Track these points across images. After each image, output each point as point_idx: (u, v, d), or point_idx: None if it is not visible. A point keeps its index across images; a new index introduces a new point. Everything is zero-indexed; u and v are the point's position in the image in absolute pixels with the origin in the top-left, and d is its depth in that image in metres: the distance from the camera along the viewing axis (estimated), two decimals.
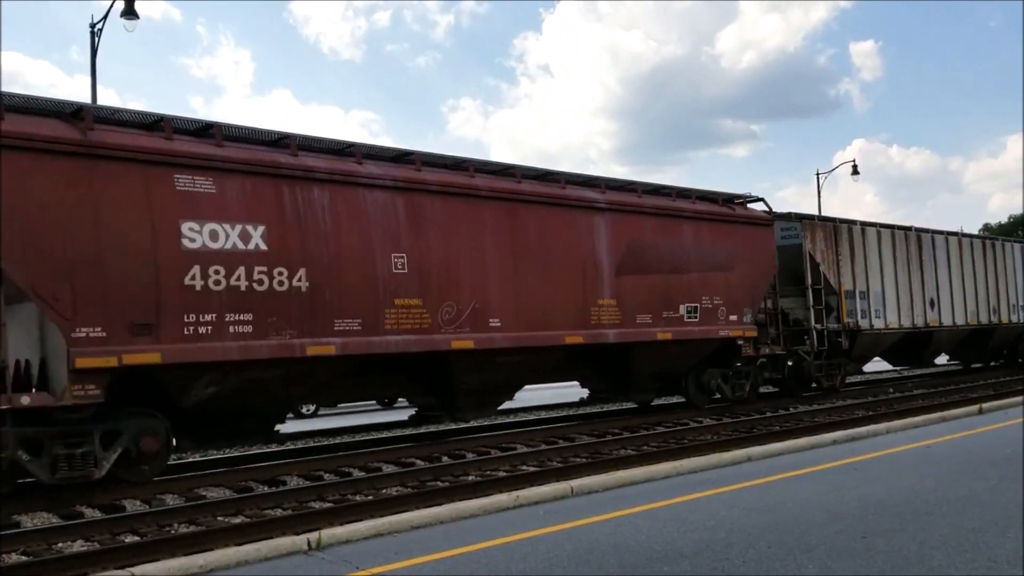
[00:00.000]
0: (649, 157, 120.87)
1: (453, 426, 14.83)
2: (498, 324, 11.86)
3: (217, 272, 9.37)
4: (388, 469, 10.73)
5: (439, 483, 9.76)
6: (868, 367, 22.89)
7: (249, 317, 9.56)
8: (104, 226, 8.74)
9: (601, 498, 8.05)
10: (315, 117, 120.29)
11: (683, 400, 16.39)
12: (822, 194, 41.17)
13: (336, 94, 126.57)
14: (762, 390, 17.61)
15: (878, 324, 18.76)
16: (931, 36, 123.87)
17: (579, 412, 17.05)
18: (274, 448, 12.64)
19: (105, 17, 20.13)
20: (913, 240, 20.25)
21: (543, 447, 12.18)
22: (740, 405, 16.13)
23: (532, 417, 16.07)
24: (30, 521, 8.30)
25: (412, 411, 14.80)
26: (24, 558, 6.96)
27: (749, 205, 16.56)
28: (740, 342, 15.56)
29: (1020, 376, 21.21)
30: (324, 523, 7.48)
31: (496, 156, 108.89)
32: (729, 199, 16.16)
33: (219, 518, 8.27)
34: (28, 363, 8.81)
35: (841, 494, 7.64)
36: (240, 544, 6.76)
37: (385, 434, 13.97)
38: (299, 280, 9.98)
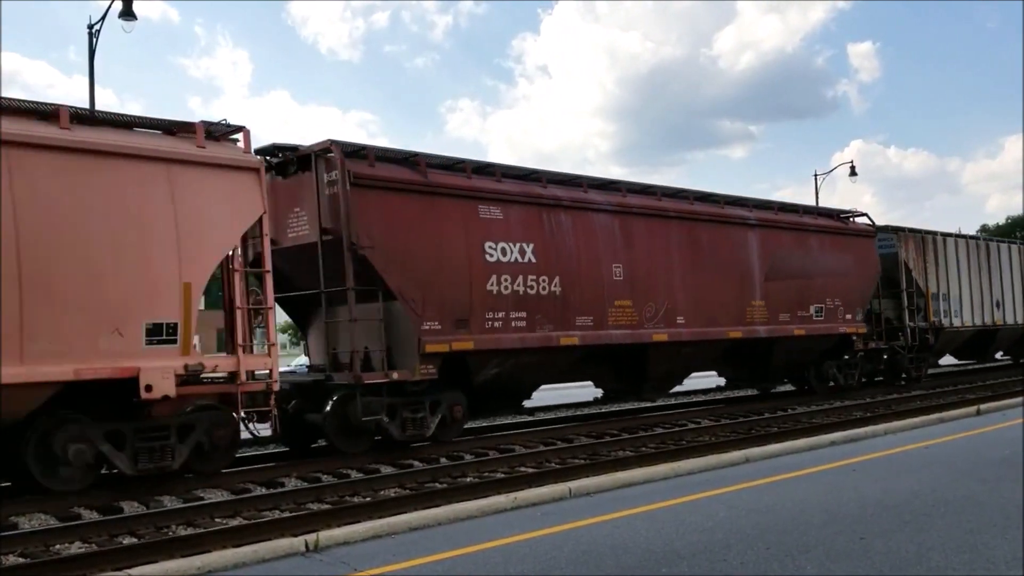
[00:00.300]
0: (647, 158, 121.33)
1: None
2: (683, 321, 14.70)
3: (506, 280, 12.29)
4: (386, 470, 10.73)
5: (437, 484, 9.76)
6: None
7: (524, 315, 12.50)
8: (441, 247, 11.67)
9: (599, 499, 8.05)
10: (313, 118, 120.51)
11: (791, 389, 19.60)
12: (820, 195, 41.24)
13: (334, 95, 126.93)
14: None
15: (956, 322, 21.57)
16: (929, 37, 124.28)
17: (577, 413, 17.06)
18: (269, 450, 12.63)
19: (103, 18, 20.13)
20: (983, 248, 23.06)
21: (541, 448, 12.19)
22: (851, 391, 18.70)
23: (531, 418, 16.06)
24: (28, 522, 8.29)
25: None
26: (22, 559, 6.95)
27: (856, 220, 19.31)
28: (854, 337, 18.46)
29: (1018, 377, 21.31)
30: (322, 525, 7.48)
31: (494, 157, 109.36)
32: (841, 214, 19.14)
33: (217, 520, 8.26)
34: (367, 350, 11.35)
35: (839, 495, 7.65)
36: (238, 546, 6.76)
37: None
38: (555, 286, 12.89)
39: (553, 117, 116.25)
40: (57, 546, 7.36)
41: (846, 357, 18.82)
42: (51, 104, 9.00)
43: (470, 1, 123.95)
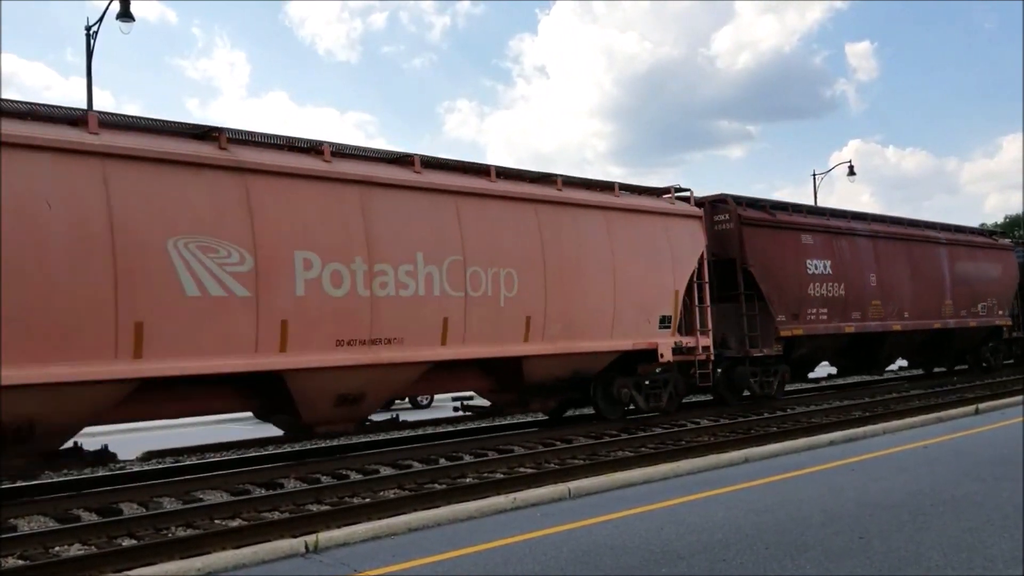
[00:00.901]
0: (645, 159, 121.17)
1: (451, 428, 14.87)
2: (908, 316, 19.77)
3: (816, 286, 17.34)
4: (385, 471, 10.73)
5: (436, 485, 9.76)
6: None
7: (826, 311, 17.45)
8: (785, 264, 16.72)
9: (599, 500, 8.05)
10: (311, 119, 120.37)
11: (943, 369, 24.59)
12: (819, 195, 41.20)
13: (332, 96, 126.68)
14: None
15: None
16: (927, 37, 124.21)
17: (578, 413, 17.03)
18: (269, 450, 12.64)
19: (101, 19, 20.14)
20: None
21: (540, 449, 12.19)
22: (997, 371, 23.56)
23: (530, 419, 16.06)
24: (27, 525, 8.29)
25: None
26: (22, 562, 6.95)
27: (999, 239, 24.81)
28: (1004, 329, 23.71)
29: (1018, 376, 21.32)
30: (321, 526, 7.48)
31: (493, 158, 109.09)
32: (993, 233, 25.38)
33: (216, 521, 8.26)
34: (724, 336, 15.97)
35: (839, 495, 7.66)
36: (237, 547, 6.77)
37: (382, 436, 13.96)
38: (840, 290, 17.84)
39: (551, 117, 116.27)
40: (56, 548, 7.36)
41: (991, 344, 23.90)
42: (648, 188, 15.08)
43: (468, 1, 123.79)
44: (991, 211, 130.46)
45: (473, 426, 15.29)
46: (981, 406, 14.35)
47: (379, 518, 7.59)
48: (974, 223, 27.63)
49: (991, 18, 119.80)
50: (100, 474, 10.77)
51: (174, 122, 9.54)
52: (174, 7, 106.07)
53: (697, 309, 14.85)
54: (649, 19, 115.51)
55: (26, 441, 8.42)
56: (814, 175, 42.21)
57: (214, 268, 9.17)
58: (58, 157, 8.35)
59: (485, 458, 11.45)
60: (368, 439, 13.72)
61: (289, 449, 12.82)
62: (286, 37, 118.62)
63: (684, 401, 16.06)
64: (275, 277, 9.61)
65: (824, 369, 22.49)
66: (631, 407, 14.43)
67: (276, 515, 8.44)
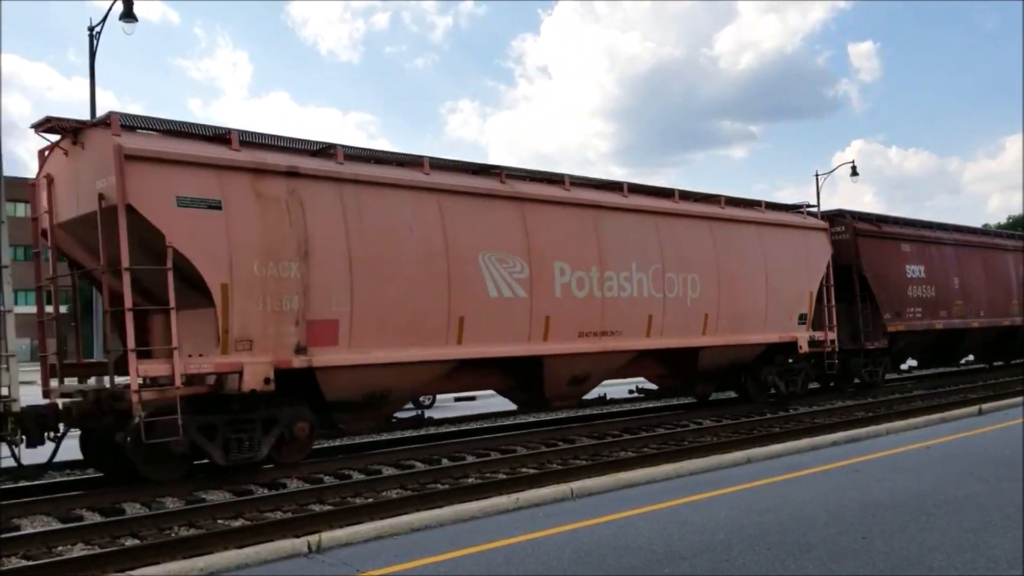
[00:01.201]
0: (647, 159, 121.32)
1: (452, 428, 14.88)
2: (983, 314, 22.62)
3: (914, 288, 20.15)
4: (388, 471, 10.74)
5: (439, 485, 9.76)
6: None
7: (920, 310, 20.31)
8: (889, 269, 19.53)
9: (601, 500, 8.05)
10: (313, 119, 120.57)
11: (999, 364, 26.84)
12: (822, 195, 41.28)
13: (334, 96, 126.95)
14: None
15: None
16: (930, 37, 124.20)
17: (578, 414, 17.05)
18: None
19: (104, 20, 20.15)
20: None
21: (543, 449, 12.19)
22: None
23: (532, 419, 16.06)
24: (30, 525, 8.31)
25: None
26: (25, 562, 6.96)
27: None
28: None
29: (1020, 376, 21.32)
30: (324, 526, 7.48)
31: (495, 158, 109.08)
32: None
33: (219, 521, 8.27)
34: (861, 329, 19.09)
35: (842, 495, 7.65)
36: (240, 547, 6.77)
37: (384, 436, 13.97)
38: (931, 292, 20.69)
39: (553, 118, 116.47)
40: (59, 548, 7.38)
41: None
42: (784, 205, 17.96)
43: (470, 1, 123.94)
44: (994, 211, 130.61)
45: (475, 426, 15.30)
46: (984, 406, 14.32)
47: (382, 518, 7.59)
48: (976, 224, 28.22)
49: (993, 18, 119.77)
50: (102, 474, 10.78)
51: (464, 162, 12.43)
52: (176, 8, 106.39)
53: (826, 308, 17.52)
54: (651, 19, 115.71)
55: (380, 407, 11.29)
56: (816, 175, 42.28)
57: (505, 275, 12.01)
58: (415, 194, 11.25)
59: (487, 458, 11.45)
60: (369, 439, 13.73)
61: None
62: (288, 37, 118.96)
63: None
64: (542, 282, 12.48)
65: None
66: (772, 392, 17.23)
67: (279, 515, 8.45)
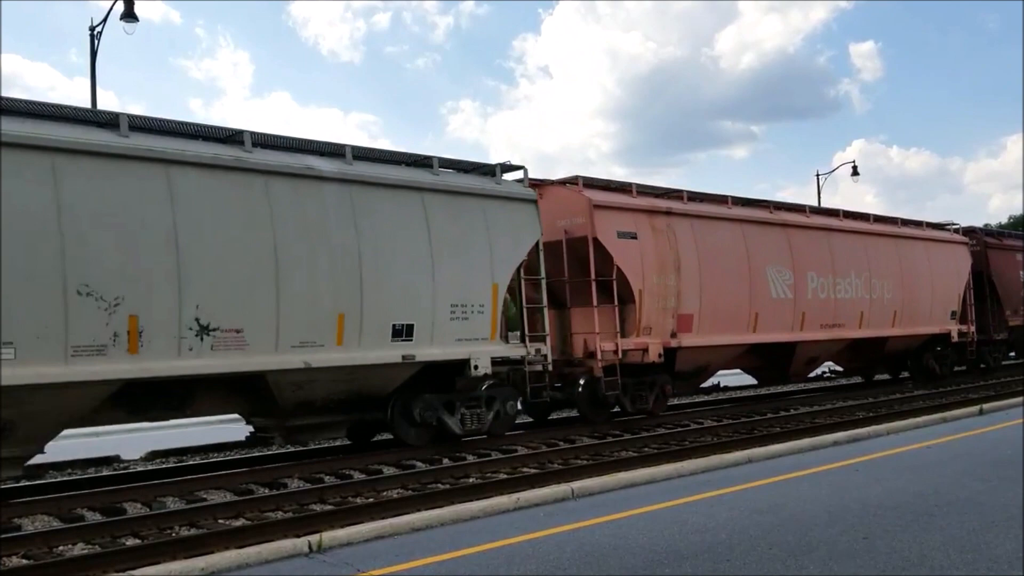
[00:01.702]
0: (648, 159, 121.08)
1: None
2: None
3: (1021, 289, 24.07)
4: (389, 471, 10.73)
5: (440, 485, 9.76)
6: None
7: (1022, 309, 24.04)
8: (1005, 273, 23.56)
9: (602, 500, 8.05)
10: (314, 119, 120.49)
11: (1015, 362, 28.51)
12: (822, 195, 41.30)
13: (335, 96, 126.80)
14: None
15: None
16: (931, 37, 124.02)
17: (578, 414, 17.01)
18: (272, 450, 12.64)
19: (105, 20, 20.16)
20: None
21: (544, 449, 12.18)
22: None
23: (531, 419, 16.03)
24: (31, 524, 8.30)
25: None
26: (25, 561, 6.96)
27: None
28: None
29: (1020, 376, 21.29)
30: (325, 525, 7.47)
31: (496, 158, 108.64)
32: None
33: (220, 521, 8.26)
34: (982, 323, 22.76)
35: (842, 495, 7.64)
36: (241, 547, 6.76)
37: (384, 436, 13.94)
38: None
39: (554, 118, 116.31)
40: (60, 547, 7.37)
41: None
42: (938, 224, 22.41)
43: (471, 1, 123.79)
44: (995, 211, 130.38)
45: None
46: (985, 406, 14.31)
47: (382, 518, 7.59)
48: (978, 223, 28.42)
49: (995, 18, 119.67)
50: (103, 474, 10.79)
51: (745, 198, 16.77)
52: (177, 8, 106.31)
53: (968, 307, 21.81)
54: (652, 19, 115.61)
55: (699, 376, 16.22)
56: (817, 175, 42.30)
57: (780, 281, 16.26)
58: (727, 224, 15.72)
59: (488, 458, 11.45)
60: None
61: (291, 449, 12.82)
62: (289, 37, 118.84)
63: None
64: (800, 287, 16.70)
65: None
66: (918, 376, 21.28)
67: (279, 515, 8.45)
